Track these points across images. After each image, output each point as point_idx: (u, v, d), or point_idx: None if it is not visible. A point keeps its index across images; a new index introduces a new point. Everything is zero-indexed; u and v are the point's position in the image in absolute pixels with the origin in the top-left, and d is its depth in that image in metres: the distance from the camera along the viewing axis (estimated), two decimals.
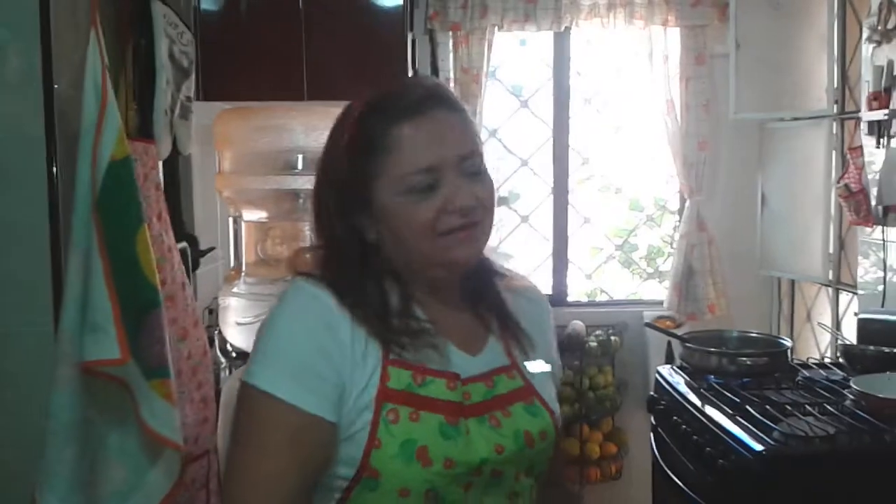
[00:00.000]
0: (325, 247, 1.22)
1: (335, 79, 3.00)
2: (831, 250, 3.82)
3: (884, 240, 2.99)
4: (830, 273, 3.84)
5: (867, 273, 3.25)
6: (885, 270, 3.00)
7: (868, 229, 3.17)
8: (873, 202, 3.06)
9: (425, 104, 1.17)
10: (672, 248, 4.34)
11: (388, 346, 1.15)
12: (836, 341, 2.94)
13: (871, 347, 2.67)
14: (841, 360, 2.75)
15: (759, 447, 2.09)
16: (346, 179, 1.18)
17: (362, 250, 1.20)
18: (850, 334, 3.79)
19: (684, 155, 4.14)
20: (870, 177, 3.09)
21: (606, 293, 4.52)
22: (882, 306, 3.01)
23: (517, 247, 4.56)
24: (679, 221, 4.26)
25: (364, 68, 3.04)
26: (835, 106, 3.75)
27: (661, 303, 4.28)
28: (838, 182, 3.22)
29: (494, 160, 4.37)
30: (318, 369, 1.12)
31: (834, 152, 3.78)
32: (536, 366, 1.28)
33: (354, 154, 1.18)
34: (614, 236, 4.56)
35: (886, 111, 2.93)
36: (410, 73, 2.60)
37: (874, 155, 3.10)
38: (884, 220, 2.97)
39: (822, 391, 2.52)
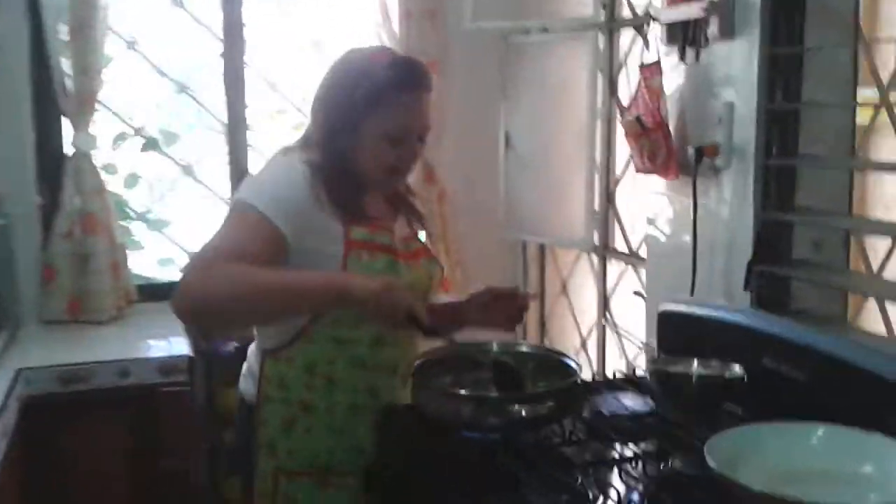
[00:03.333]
0: (318, 141, 1.72)
1: None
2: (597, 206, 2.90)
3: (694, 197, 2.05)
4: (596, 237, 2.93)
5: (658, 241, 2.34)
6: (694, 239, 2.07)
7: (661, 181, 2.23)
8: (676, 142, 2.11)
9: (421, 83, 1.70)
10: None
11: (350, 215, 1.68)
12: (647, 347, 1.97)
13: (699, 369, 1.73)
14: (651, 381, 1.77)
15: None
16: (349, 106, 1.67)
17: (347, 155, 1.70)
18: (622, 312, 2.94)
19: None
20: (669, 106, 2.14)
21: None
22: (691, 294, 2.09)
23: (178, 209, 3.25)
24: None
25: None
26: (602, 12, 2.79)
27: None
28: (623, 114, 2.25)
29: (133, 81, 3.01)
30: (294, 207, 1.62)
31: (600, 74, 2.83)
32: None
33: (362, 96, 1.66)
34: None
35: (703, 4, 1.96)
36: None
37: (676, 73, 2.15)
38: (695, 169, 2.03)
39: (628, 442, 1.57)
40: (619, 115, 2.74)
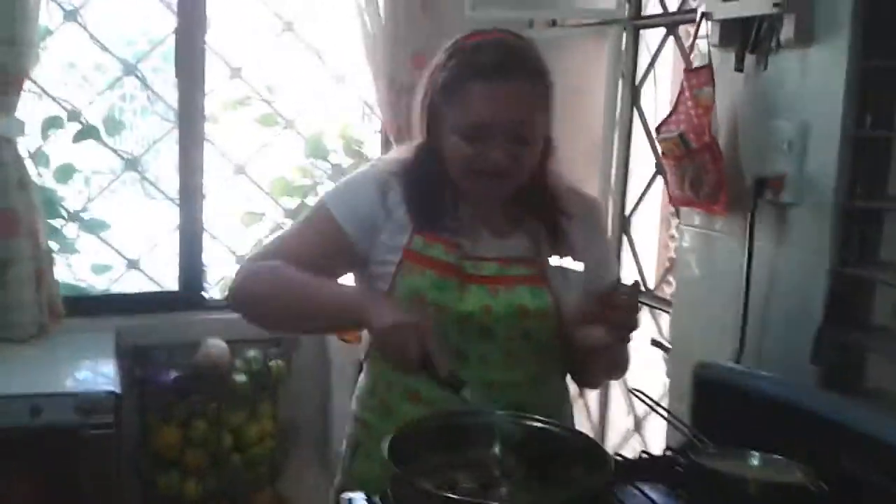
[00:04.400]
0: (416, 145, 1.54)
1: None
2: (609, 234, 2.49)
3: (750, 239, 1.65)
4: None
5: (691, 286, 1.93)
6: (747, 292, 1.67)
7: (702, 215, 1.83)
8: (728, 170, 1.71)
9: (498, 70, 1.41)
10: None
11: (417, 222, 1.49)
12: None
13: (759, 469, 1.33)
14: (688, 478, 1.37)
15: None
16: (431, 95, 1.49)
17: (435, 155, 1.49)
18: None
19: (390, 75, 2.64)
20: (720, 124, 1.74)
21: None
22: (737, 359, 1.69)
23: (119, 208, 2.80)
24: None
25: None
26: (626, 5, 2.38)
27: None
28: (661, 128, 1.83)
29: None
30: (361, 211, 1.49)
31: (621, 80, 2.42)
32: (563, 263, 1.52)
33: (438, 90, 1.47)
34: (283, 195, 2.94)
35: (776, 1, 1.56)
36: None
37: (730, 84, 1.75)
38: (753, 204, 1.63)
39: None
40: (643, 130, 2.34)
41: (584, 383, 1.68)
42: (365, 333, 1.54)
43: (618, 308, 1.40)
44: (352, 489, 1.43)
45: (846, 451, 1.36)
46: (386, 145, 2.82)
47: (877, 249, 1.54)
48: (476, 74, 1.41)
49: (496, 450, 1.37)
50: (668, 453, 1.56)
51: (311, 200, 2.98)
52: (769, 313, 1.67)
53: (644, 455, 1.60)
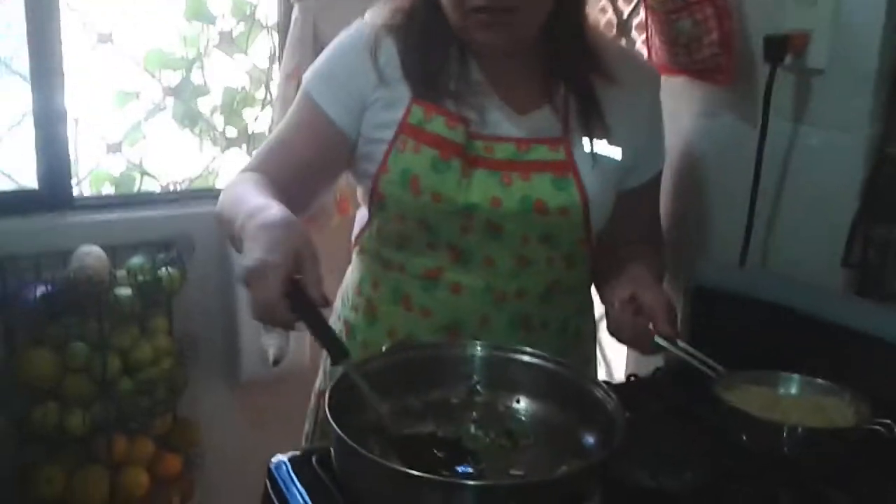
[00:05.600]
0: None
1: None
2: None
3: (765, 115, 1.34)
4: None
5: (684, 175, 1.62)
6: (756, 180, 1.37)
7: (700, 85, 1.51)
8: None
9: None
10: (271, 93, 2.48)
11: (415, 88, 1.25)
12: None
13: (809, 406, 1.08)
14: (718, 417, 1.10)
15: None
16: None
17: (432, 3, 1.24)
18: None
19: None
20: None
21: (152, 177, 2.44)
22: (742, 262, 1.40)
23: None
24: (277, 47, 2.41)
25: None
26: None
27: None
28: None
29: None
30: (350, 87, 1.27)
31: None
32: (599, 148, 1.27)
33: None
34: (161, 68, 2.45)
35: None
36: None
37: None
38: (772, 71, 1.31)
39: None
40: None
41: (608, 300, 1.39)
42: (358, 215, 1.38)
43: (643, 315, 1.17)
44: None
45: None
46: (286, 8, 2.36)
47: None
48: None
49: (477, 392, 1.10)
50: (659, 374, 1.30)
51: (196, 74, 2.52)
52: (785, 206, 1.38)
53: (633, 378, 1.33)
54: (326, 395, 0.99)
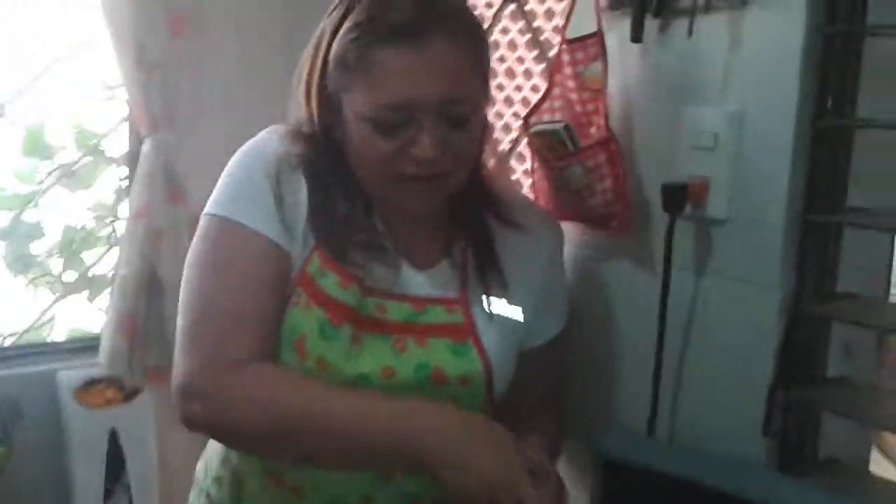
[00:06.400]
0: (305, 134, 1.16)
1: None
2: None
3: (667, 268, 1.23)
4: None
5: (582, 335, 1.48)
6: (660, 341, 1.24)
7: (591, 235, 1.39)
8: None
9: (415, 27, 1.05)
10: (115, 233, 2.27)
11: (318, 234, 1.13)
12: None
13: None
14: None
15: None
16: (327, 79, 1.11)
17: (337, 152, 1.14)
18: None
19: (137, 45, 1.97)
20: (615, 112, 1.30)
21: None
22: (650, 431, 1.26)
23: None
24: (128, 179, 2.18)
25: None
26: None
27: (95, 347, 2.04)
28: (530, 118, 1.37)
29: None
30: (274, 207, 1.11)
31: None
32: (498, 308, 1.18)
33: (335, 63, 1.09)
34: None
35: None
36: None
37: (625, 58, 1.31)
38: (671, 221, 1.21)
39: None
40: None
41: None
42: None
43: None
44: None
45: None
46: (135, 142, 2.16)
47: (833, 278, 1.16)
48: (386, 38, 1.04)
49: None
50: None
51: (31, 213, 2.26)
52: (691, 368, 1.25)
53: None
54: None
